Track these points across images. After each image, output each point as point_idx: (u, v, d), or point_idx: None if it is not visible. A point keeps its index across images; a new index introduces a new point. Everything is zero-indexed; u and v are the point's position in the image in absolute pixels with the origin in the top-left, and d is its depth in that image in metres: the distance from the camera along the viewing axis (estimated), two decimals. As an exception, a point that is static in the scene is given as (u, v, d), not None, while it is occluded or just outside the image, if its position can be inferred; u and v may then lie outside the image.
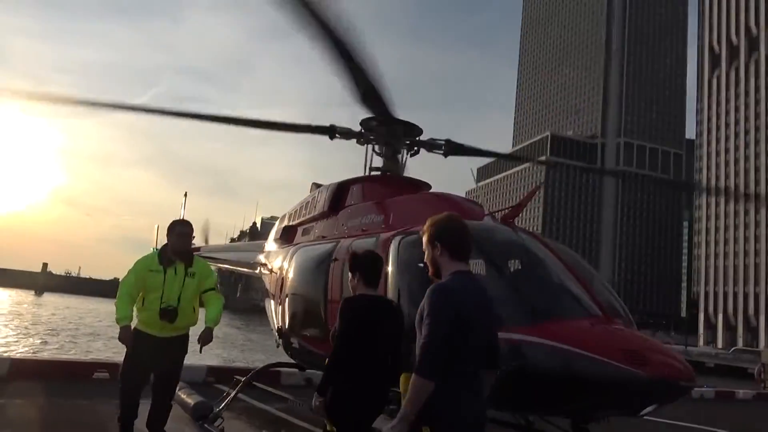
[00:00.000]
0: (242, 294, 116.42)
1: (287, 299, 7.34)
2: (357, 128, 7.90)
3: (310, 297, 6.85)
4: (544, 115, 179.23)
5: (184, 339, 5.55)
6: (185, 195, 14.97)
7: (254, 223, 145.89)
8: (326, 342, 6.30)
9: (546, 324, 4.39)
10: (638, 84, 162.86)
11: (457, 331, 2.80)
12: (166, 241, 5.56)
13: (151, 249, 16.60)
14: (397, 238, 5.74)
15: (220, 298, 5.73)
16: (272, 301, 8.37)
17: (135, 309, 5.44)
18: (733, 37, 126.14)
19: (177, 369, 5.62)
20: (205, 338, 5.31)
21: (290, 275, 7.42)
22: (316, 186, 8.96)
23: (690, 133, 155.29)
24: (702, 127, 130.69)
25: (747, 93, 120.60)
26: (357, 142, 7.94)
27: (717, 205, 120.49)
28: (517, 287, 4.96)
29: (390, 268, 5.57)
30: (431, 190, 7.66)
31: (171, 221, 5.58)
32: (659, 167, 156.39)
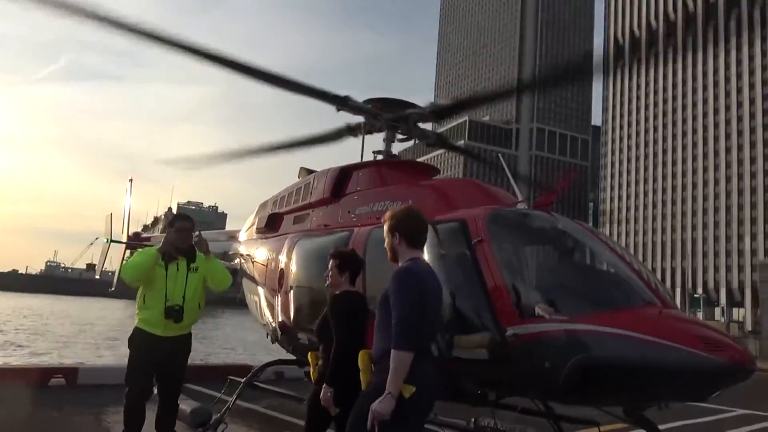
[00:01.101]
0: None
1: (292, 292, 6.86)
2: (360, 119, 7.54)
3: (323, 289, 6.43)
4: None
5: (188, 338, 5.37)
6: (130, 181, 13.75)
7: (170, 209, 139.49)
8: None
9: (616, 313, 4.31)
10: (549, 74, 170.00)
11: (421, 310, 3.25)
12: (164, 236, 5.46)
13: (104, 240, 15.31)
14: (432, 225, 5.44)
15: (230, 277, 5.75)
16: (265, 294, 7.83)
17: (136, 307, 5.21)
18: (636, 30, 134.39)
19: (182, 370, 5.41)
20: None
21: (294, 266, 6.93)
22: (307, 171, 8.45)
23: (596, 119, 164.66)
24: (607, 114, 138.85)
25: (647, 83, 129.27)
26: (365, 120, 7.53)
27: (620, 187, 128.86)
28: (575, 275, 4.86)
29: (426, 255, 5.28)
30: (455, 178, 7.41)
31: (170, 216, 5.80)
32: (568, 152, 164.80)
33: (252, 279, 8.60)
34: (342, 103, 7.14)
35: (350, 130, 7.84)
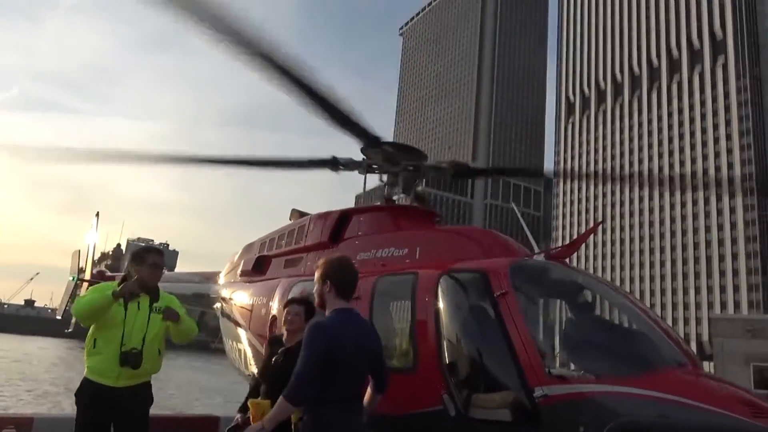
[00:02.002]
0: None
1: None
2: (358, 157, 7.34)
3: None
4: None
5: (147, 387, 4.56)
6: (97, 215, 13.00)
7: (118, 245, 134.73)
8: None
9: (652, 374, 4.14)
10: (504, 125, 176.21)
11: (330, 364, 3.34)
12: (127, 272, 4.70)
13: (70, 278, 14.32)
14: (449, 276, 5.24)
15: (193, 319, 5.01)
16: (251, 342, 7.37)
17: (84, 353, 4.44)
18: (585, 89, 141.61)
19: (144, 425, 4.59)
20: (171, 314, 4.51)
21: None
22: (299, 213, 8.15)
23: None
24: (559, 167, 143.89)
25: (596, 139, 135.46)
26: (359, 172, 7.36)
27: (571, 238, 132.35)
28: (605, 333, 4.70)
29: (443, 306, 5.06)
30: (466, 225, 7.25)
31: (139, 248, 4.79)
32: (521, 201, 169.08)
33: (236, 324, 8.12)
34: (333, 164, 7.18)
35: (334, 164, 7.45)
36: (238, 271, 8.65)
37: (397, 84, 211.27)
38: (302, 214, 8.08)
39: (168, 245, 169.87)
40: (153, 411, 4.75)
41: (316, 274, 3.73)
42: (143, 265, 4.50)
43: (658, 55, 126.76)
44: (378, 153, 7.13)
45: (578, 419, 3.97)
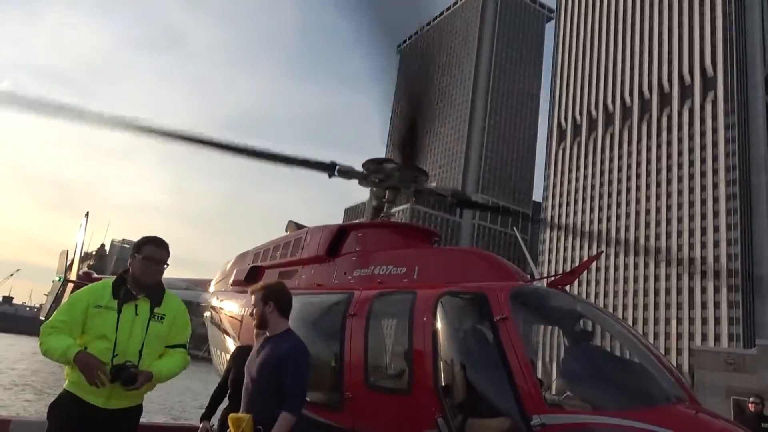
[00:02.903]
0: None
1: None
2: (358, 168, 7.30)
3: (319, 358, 5.97)
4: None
5: (137, 413, 3.81)
6: (86, 215, 12.79)
7: (102, 245, 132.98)
8: (340, 410, 5.51)
9: (652, 409, 4.12)
10: (496, 148, 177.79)
11: None
12: (126, 267, 3.86)
13: (56, 278, 13.98)
14: (448, 298, 5.20)
15: (186, 359, 3.98)
16: (241, 354, 7.25)
17: (66, 366, 3.58)
18: (577, 117, 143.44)
19: None
20: (144, 379, 3.56)
21: None
22: (296, 225, 8.08)
23: (537, 195, 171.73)
24: (548, 192, 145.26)
25: (586, 166, 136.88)
26: (359, 183, 7.32)
27: (557, 262, 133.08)
28: (605, 365, 4.66)
29: (441, 327, 5.01)
30: (463, 247, 7.22)
31: (140, 238, 3.90)
32: (509, 223, 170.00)
33: (225, 334, 7.99)
34: (331, 169, 7.13)
35: (332, 170, 7.40)
36: (230, 281, 8.54)
37: (392, 99, 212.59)
38: (299, 227, 8.02)
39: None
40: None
41: (255, 297, 4.05)
42: (138, 258, 3.75)
43: (650, 88, 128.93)
44: (381, 168, 7.12)
45: None
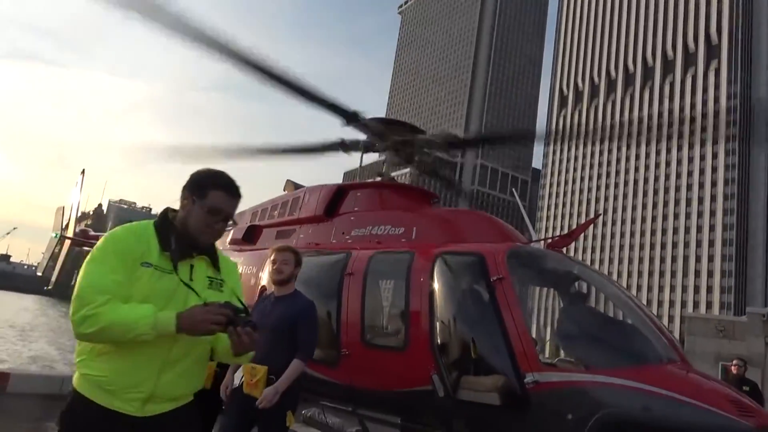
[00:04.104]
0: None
1: None
2: (362, 137, 7.27)
3: (317, 316, 6.01)
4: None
5: (189, 414, 2.47)
6: (83, 173, 12.67)
7: (99, 205, 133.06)
8: (337, 366, 5.58)
9: (643, 368, 4.17)
10: (497, 113, 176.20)
11: None
12: (174, 211, 2.52)
13: (53, 234, 13.96)
14: (445, 258, 5.21)
15: None
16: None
17: (78, 349, 2.32)
18: (579, 83, 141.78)
19: None
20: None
21: None
22: (294, 185, 8.04)
23: (537, 162, 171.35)
24: (547, 159, 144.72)
25: (587, 133, 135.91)
26: (364, 151, 7.29)
27: (554, 229, 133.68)
28: (599, 325, 4.71)
29: (437, 287, 5.04)
30: (461, 208, 7.20)
31: (202, 172, 2.51)
32: (508, 190, 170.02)
33: None
34: (351, 118, 6.85)
35: (344, 146, 7.53)
36: (227, 240, 8.54)
37: (393, 62, 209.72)
38: (297, 186, 7.97)
39: (151, 209, 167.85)
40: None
41: (286, 257, 4.24)
42: (196, 205, 2.41)
43: (654, 55, 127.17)
44: (365, 129, 7.06)
45: (567, 407, 4.00)
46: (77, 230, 12.73)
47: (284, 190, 8.19)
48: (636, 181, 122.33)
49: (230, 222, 2.61)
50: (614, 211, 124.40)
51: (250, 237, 8.03)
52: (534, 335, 4.48)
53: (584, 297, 5.08)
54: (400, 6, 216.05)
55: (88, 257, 2.26)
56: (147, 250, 2.31)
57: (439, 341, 4.85)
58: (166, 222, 2.45)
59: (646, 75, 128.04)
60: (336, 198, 7.04)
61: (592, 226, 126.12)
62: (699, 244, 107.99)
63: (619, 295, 4.96)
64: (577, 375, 4.13)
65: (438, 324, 4.90)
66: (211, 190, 2.43)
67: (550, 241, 5.44)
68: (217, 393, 4.13)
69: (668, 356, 4.39)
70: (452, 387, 4.60)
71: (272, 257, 4.25)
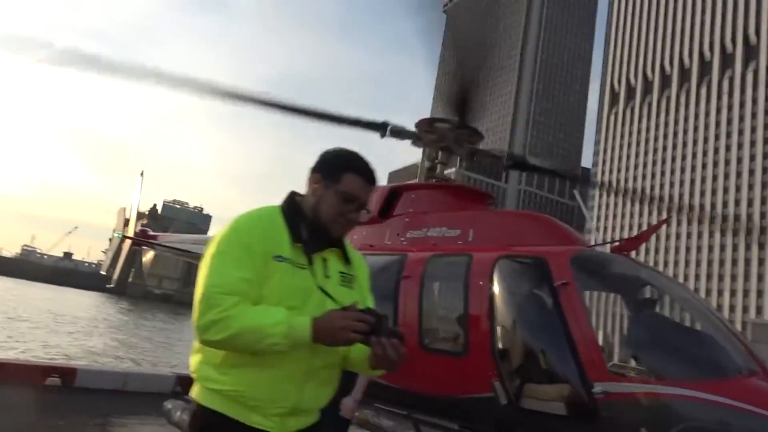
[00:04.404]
0: (135, 279, 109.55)
1: None
2: (410, 128, 7.18)
3: None
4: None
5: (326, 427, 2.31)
6: (141, 174, 13.21)
7: (154, 205, 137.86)
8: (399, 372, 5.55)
9: (723, 381, 3.94)
10: (544, 111, 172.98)
11: None
12: (300, 195, 2.21)
13: (116, 234, 14.59)
14: (506, 261, 5.09)
15: None
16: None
17: (197, 354, 2.04)
18: (632, 79, 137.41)
19: None
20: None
21: None
22: None
23: (586, 161, 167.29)
24: (598, 157, 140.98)
25: (639, 131, 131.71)
26: (412, 143, 7.21)
27: (605, 230, 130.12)
28: (672, 333, 4.50)
29: (498, 291, 4.93)
30: (522, 210, 7.07)
31: (335, 152, 2.21)
32: (556, 190, 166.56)
33: None
34: (383, 129, 6.99)
35: (382, 129, 7.30)
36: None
37: (437, 62, 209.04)
38: None
39: (202, 209, 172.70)
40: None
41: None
42: (329, 190, 2.10)
43: (711, 49, 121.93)
44: (434, 128, 6.98)
45: (640, 420, 3.82)
46: (137, 230, 13.19)
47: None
48: (693, 181, 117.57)
49: (365, 212, 2.18)
50: (679, 210, 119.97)
51: None
52: (602, 343, 4.31)
53: (655, 303, 4.86)
54: (445, 5, 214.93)
55: (212, 251, 1.93)
56: (278, 241, 2.00)
57: (500, 347, 4.75)
58: (294, 208, 2.13)
59: (703, 70, 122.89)
60: (390, 199, 6.99)
61: (646, 224, 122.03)
62: (762, 246, 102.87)
63: (693, 302, 4.73)
64: (651, 386, 3.95)
65: (499, 330, 4.79)
66: (345, 173, 2.12)
67: (616, 244, 5.24)
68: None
69: (749, 368, 4.15)
70: (515, 395, 4.49)
71: None
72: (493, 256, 5.17)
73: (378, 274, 6.15)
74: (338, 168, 2.14)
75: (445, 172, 7.40)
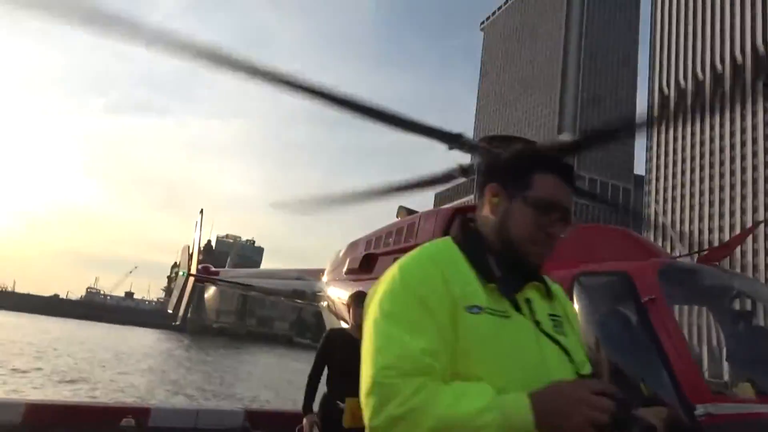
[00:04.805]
0: (193, 314, 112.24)
1: None
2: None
3: None
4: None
5: None
6: (201, 212, 13.58)
7: (209, 241, 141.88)
8: None
9: None
10: (591, 120, 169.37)
11: None
12: (471, 220, 1.62)
13: (181, 273, 15.03)
14: (582, 279, 4.82)
15: None
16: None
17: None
18: (681, 81, 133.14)
19: None
20: None
21: None
22: (407, 211, 7.98)
23: (638, 169, 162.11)
24: (651, 164, 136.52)
25: (693, 134, 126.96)
26: (479, 159, 7.12)
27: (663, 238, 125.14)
28: None
29: (579, 312, 4.65)
30: (587, 224, 6.81)
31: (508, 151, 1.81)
32: (609, 200, 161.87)
33: (343, 322, 8.07)
34: (454, 140, 6.73)
35: (463, 171, 7.37)
36: (344, 270, 8.59)
37: (478, 81, 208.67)
38: (410, 212, 7.89)
39: (254, 242, 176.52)
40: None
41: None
42: (517, 200, 1.52)
43: (765, 42, 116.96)
44: (471, 150, 6.88)
45: None
46: (200, 267, 13.49)
47: (397, 217, 8.14)
48: (755, 180, 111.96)
49: (569, 226, 1.55)
50: (730, 214, 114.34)
51: (368, 265, 8.02)
52: (700, 361, 3.99)
53: (752, 315, 4.49)
54: (482, 23, 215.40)
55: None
56: (465, 285, 1.41)
57: (584, 374, 4.46)
58: (473, 236, 1.56)
59: (758, 65, 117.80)
60: (453, 221, 6.85)
61: (707, 229, 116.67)
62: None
63: None
64: (758, 406, 3.60)
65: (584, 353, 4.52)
66: (535, 173, 1.53)
67: (703, 254, 4.90)
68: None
69: None
70: None
71: (357, 300, 4.17)
72: (566, 275, 4.91)
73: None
74: (524, 168, 1.54)
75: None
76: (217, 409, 11.46)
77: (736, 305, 4.56)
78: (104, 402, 14.77)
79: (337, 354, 4.23)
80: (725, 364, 4.17)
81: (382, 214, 9.23)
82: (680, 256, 5.00)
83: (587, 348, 4.59)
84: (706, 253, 4.88)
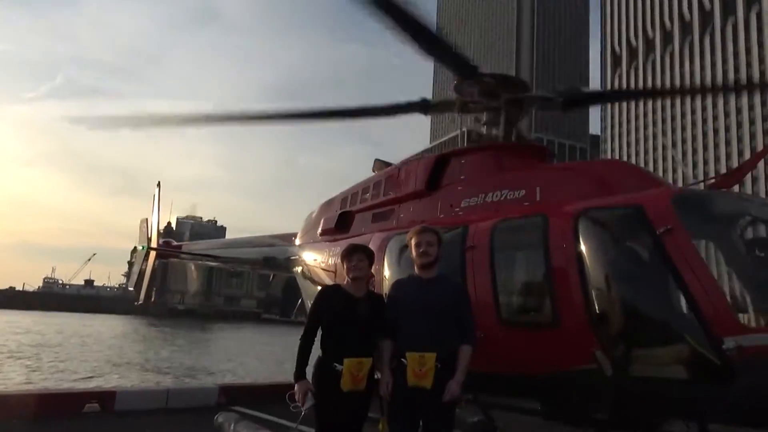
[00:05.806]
0: (157, 297, 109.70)
1: None
2: (452, 97, 6.60)
3: None
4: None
5: None
6: (158, 185, 12.69)
7: (169, 223, 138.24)
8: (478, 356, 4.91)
9: None
10: (547, 81, 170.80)
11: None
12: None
13: (140, 247, 14.14)
14: (590, 215, 4.42)
15: None
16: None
17: None
18: (632, 40, 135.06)
19: None
20: None
21: (390, 271, 5.86)
22: (383, 164, 7.44)
23: (594, 128, 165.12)
24: (606, 123, 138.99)
25: (646, 92, 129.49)
26: (457, 112, 6.64)
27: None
28: None
29: (585, 250, 4.28)
30: (591, 160, 6.39)
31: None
32: (566, 160, 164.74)
33: (316, 286, 7.55)
34: (424, 108, 6.58)
35: (423, 107, 6.88)
36: (318, 231, 8.04)
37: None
38: (386, 165, 7.36)
39: (216, 221, 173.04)
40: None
41: (436, 238, 3.82)
42: None
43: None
44: (475, 87, 6.33)
45: None
46: (161, 241, 12.72)
47: (373, 171, 7.58)
48: (705, 134, 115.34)
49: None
50: (685, 167, 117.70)
51: (343, 224, 7.49)
52: (726, 291, 3.65)
53: None
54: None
55: None
56: None
57: (598, 313, 4.09)
58: None
59: (705, 20, 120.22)
60: (437, 169, 6.36)
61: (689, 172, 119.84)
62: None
63: None
64: None
65: (595, 293, 4.14)
66: None
67: (711, 181, 4.56)
68: (370, 394, 3.71)
69: None
70: (623, 363, 3.85)
71: (414, 240, 3.83)
72: (572, 213, 4.51)
73: (449, 249, 5.54)
74: None
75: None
76: (189, 387, 10.88)
77: (763, 230, 4.24)
78: (65, 388, 13.92)
79: (333, 311, 3.77)
80: (756, 294, 3.84)
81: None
82: (691, 183, 4.64)
83: (601, 287, 4.17)
84: (714, 180, 4.54)
